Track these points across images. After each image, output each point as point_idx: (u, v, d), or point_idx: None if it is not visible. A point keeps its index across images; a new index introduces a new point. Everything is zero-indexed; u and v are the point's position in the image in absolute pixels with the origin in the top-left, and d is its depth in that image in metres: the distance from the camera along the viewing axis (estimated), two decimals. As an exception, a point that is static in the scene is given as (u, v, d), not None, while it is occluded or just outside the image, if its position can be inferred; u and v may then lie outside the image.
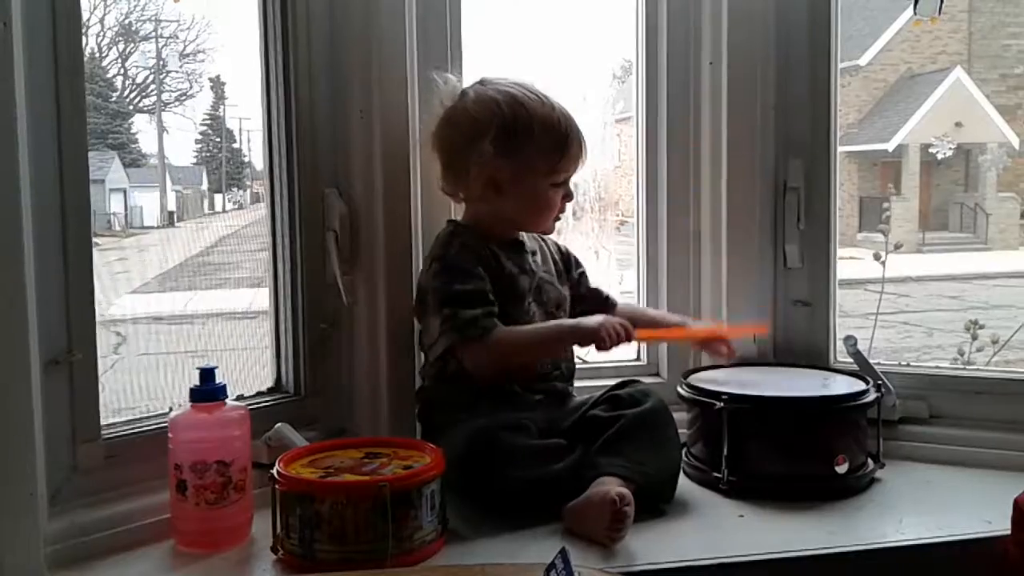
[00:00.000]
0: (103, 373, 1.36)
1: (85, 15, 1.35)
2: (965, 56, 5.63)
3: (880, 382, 1.58)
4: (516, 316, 1.49)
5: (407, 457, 1.33)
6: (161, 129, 2.37)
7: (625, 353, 1.84)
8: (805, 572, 1.29)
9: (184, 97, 2.31)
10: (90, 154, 1.31)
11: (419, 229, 1.62)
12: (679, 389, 1.58)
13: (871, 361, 1.66)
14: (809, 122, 1.75)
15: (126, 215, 2.42)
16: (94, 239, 1.33)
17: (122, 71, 2.23)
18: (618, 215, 2.03)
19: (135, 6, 2.09)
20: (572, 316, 1.60)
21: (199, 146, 2.52)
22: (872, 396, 1.52)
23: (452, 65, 1.62)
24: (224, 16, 1.91)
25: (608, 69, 2.09)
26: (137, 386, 1.74)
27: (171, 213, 2.50)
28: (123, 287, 2.01)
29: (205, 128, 2.47)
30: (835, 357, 1.76)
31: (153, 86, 2.28)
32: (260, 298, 1.68)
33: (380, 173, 1.59)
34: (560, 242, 1.67)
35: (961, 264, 5.69)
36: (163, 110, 2.31)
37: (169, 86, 2.29)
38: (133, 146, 2.37)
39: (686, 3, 1.75)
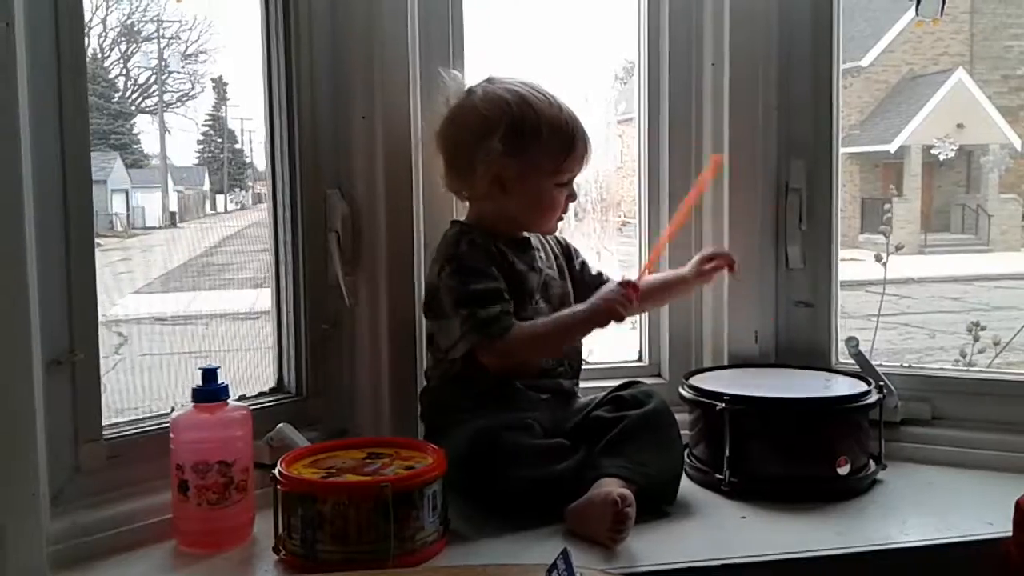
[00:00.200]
0: (105, 373, 1.36)
1: (87, 15, 1.35)
2: (967, 57, 5.62)
3: (882, 383, 1.58)
4: (525, 314, 1.49)
5: (409, 457, 1.33)
6: (163, 130, 2.37)
7: (626, 353, 1.85)
8: (807, 573, 1.29)
9: (186, 98, 2.31)
10: (92, 154, 1.32)
11: (421, 230, 1.62)
12: (681, 390, 1.58)
13: (873, 362, 1.66)
14: (811, 123, 1.75)
15: (128, 215, 2.42)
16: (96, 239, 1.33)
17: (124, 71, 2.23)
18: (620, 216, 2.03)
19: (137, 7, 2.09)
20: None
21: (201, 147, 2.52)
22: (874, 397, 1.52)
23: (454, 66, 1.62)
24: (226, 17, 1.91)
25: (610, 70, 2.09)
26: (139, 386, 1.74)
27: (173, 214, 2.50)
28: (125, 287, 2.01)
29: (207, 129, 2.47)
30: (837, 358, 1.76)
31: (155, 87, 2.28)
32: (262, 299, 1.68)
33: (382, 174, 1.59)
34: (558, 235, 1.66)
35: (963, 265, 5.68)
36: (165, 111, 2.31)
37: (171, 87, 2.29)
38: (135, 147, 2.37)
39: (688, 4, 1.75)
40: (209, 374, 1.32)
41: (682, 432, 1.49)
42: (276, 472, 1.27)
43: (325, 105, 1.59)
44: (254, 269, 1.94)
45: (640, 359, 1.84)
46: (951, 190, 6.21)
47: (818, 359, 1.74)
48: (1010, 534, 1.21)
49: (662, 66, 1.78)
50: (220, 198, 2.60)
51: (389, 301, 1.60)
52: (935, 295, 4.90)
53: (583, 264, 1.66)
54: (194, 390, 1.32)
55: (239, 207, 2.58)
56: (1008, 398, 1.64)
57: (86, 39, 1.34)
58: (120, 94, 2.28)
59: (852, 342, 1.68)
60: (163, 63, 2.24)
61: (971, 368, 2.18)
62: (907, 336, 4.09)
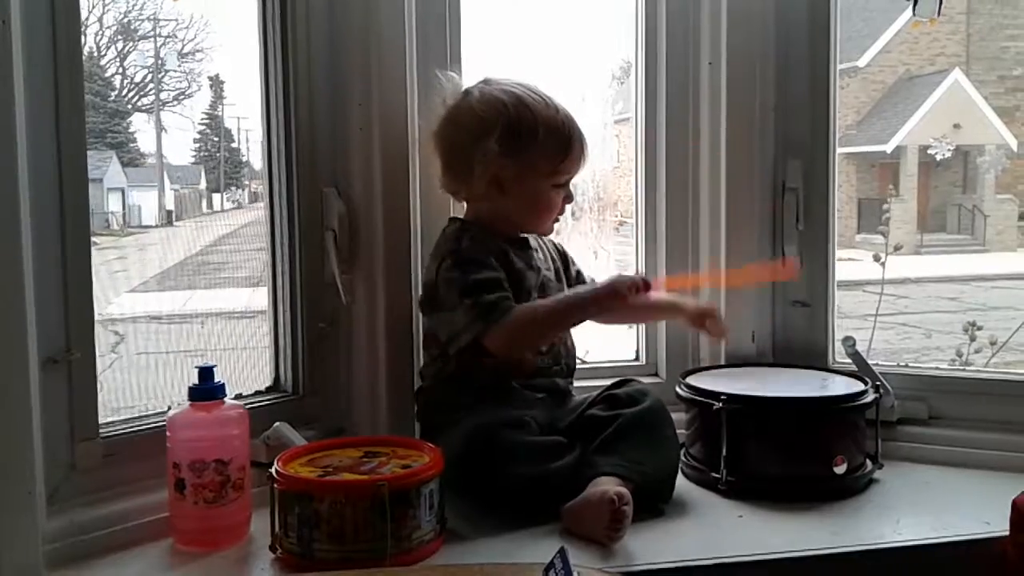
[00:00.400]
0: (101, 372, 1.36)
1: (84, 14, 1.35)
2: (963, 58, 5.63)
3: (879, 383, 1.58)
4: None
5: (406, 456, 1.33)
6: (159, 128, 2.36)
7: (623, 353, 1.85)
8: (803, 572, 1.29)
9: (183, 96, 2.31)
10: (88, 153, 1.32)
11: (418, 228, 1.62)
12: (677, 389, 1.58)
13: (870, 362, 1.66)
14: (808, 123, 1.76)
15: (124, 214, 2.41)
16: (92, 238, 1.33)
17: (120, 70, 2.23)
18: (617, 216, 2.03)
19: (134, 5, 2.08)
20: None
21: (197, 145, 2.51)
22: (871, 397, 1.52)
23: (451, 65, 1.62)
24: (223, 15, 1.91)
25: (607, 70, 2.09)
26: (135, 385, 1.74)
27: (169, 212, 2.49)
28: (121, 286, 2.00)
29: (204, 127, 2.46)
30: (834, 358, 1.76)
31: (152, 85, 2.27)
32: (259, 297, 1.68)
33: (379, 173, 1.59)
34: (556, 240, 1.67)
35: (959, 266, 5.69)
36: (161, 109, 2.31)
37: (168, 85, 2.28)
38: (131, 145, 2.36)
39: (685, 4, 1.75)
40: (205, 373, 1.32)
41: (679, 431, 1.50)
42: (273, 471, 1.26)
43: (322, 104, 1.58)
44: (251, 268, 1.94)
45: (637, 358, 1.84)
46: (947, 190, 6.22)
47: (815, 359, 1.74)
48: (1007, 533, 1.22)
49: (659, 66, 1.78)
50: (216, 197, 2.59)
51: (386, 299, 1.60)
52: (932, 295, 4.91)
53: (579, 272, 1.66)
54: (190, 389, 1.32)
55: (236, 206, 2.57)
56: (1005, 398, 1.64)
57: (82, 37, 1.34)
58: (116, 92, 2.28)
59: (849, 342, 1.68)
60: (160, 61, 2.24)
61: (968, 368, 2.19)
62: (904, 336, 4.09)
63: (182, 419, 1.31)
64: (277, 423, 1.45)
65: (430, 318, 1.54)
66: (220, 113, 2.47)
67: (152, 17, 2.14)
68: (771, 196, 1.76)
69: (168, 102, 2.31)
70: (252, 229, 1.86)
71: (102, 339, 1.40)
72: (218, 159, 2.55)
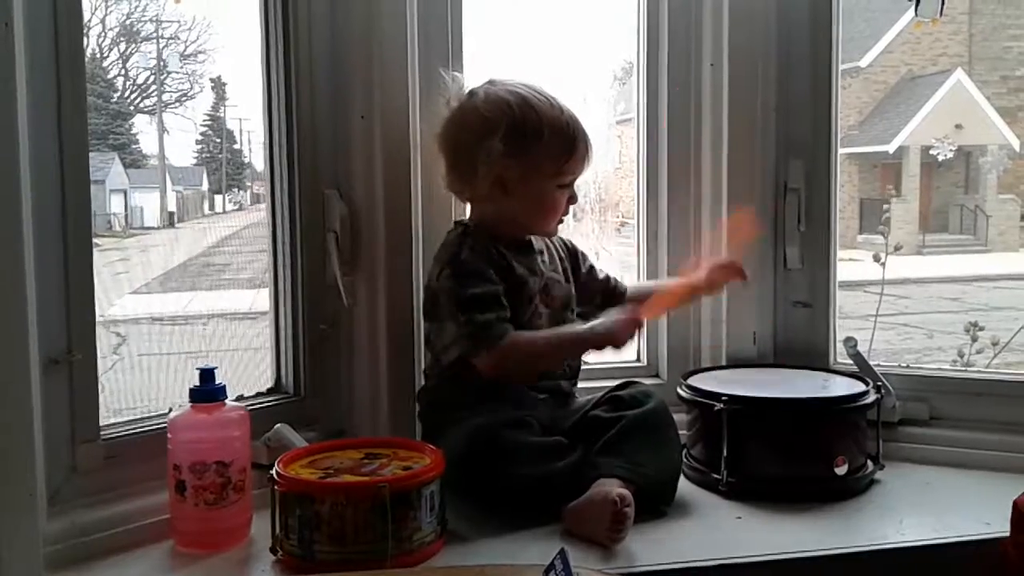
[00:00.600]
0: (103, 373, 1.36)
1: (86, 16, 1.35)
2: (966, 58, 5.62)
3: (880, 384, 1.58)
4: (524, 317, 1.49)
5: (407, 458, 1.33)
6: (162, 130, 2.37)
7: (625, 354, 1.84)
8: (805, 573, 1.29)
9: (185, 98, 2.31)
10: (91, 154, 1.32)
11: (420, 230, 1.62)
12: (679, 390, 1.58)
13: (871, 363, 1.66)
14: (810, 123, 1.75)
15: (126, 216, 2.42)
16: (94, 239, 1.33)
17: (123, 72, 2.23)
18: (619, 217, 2.03)
19: (136, 7, 2.09)
20: (583, 308, 1.61)
21: (199, 147, 2.52)
22: (872, 398, 1.52)
23: (453, 66, 1.62)
24: (225, 17, 1.91)
25: (609, 70, 2.09)
26: (137, 386, 1.74)
27: (171, 214, 2.50)
28: (123, 287, 2.01)
29: (206, 129, 2.47)
30: (835, 358, 1.76)
31: (154, 87, 2.28)
32: (260, 299, 1.68)
33: (381, 174, 1.59)
34: (565, 238, 1.66)
35: (961, 266, 5.68)
36: (164, 111, 2.31)
37: (170, 87, 2.29)
38: (134, 147, 2.37)
39: (687, 4, 1.75)
40: (207, 374, 1.32)
41: (680, 432, 1.50)
42: (274, 472, 1.26)
43: (324, 105, 1.59)
44: (252, 269, 1.94)
45: (639, 359, 1.84)
46: (949, 191, 6.21)
47: (816, 359, 1.74)
48: (1008, 534, 1.22)
49: (661, 66, 1.78)
50: (219, 198, 2.60)
51: (387, 301, 1.60)
52: (933, 295, 4.91)
53: (591, 268, 1.66)
54: (192, 390, 1.32)
55: (237, 207, 2.57)
56: (1006, 398, 1.64)
57: (85, 39, 1.34)
58: (119, 94, 2.28)
59: (850, 342, 1.68)
60: (162, 63, 2.24)
61: (969, 368, 2.19)
62: (906, 336, 4.09)
63: (183, 421, 1.31)
64: (278, 425, 1.45)
65: (428, 324, 1.55)
66: (222, 114, 2.47)
67: (154, 19, 2.14)
68: (773, 196, 1.76)
69: (170, 103, 2.32)
70: (254, 231, 1.87)
71: (104, 340, 1.40)
72: (220, 160, 2.56)
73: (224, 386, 1.34)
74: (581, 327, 1.51)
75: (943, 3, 1.72)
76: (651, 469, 1.38)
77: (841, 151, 1.82)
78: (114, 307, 1.80)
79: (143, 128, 2.37)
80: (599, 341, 1.47)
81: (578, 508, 1.32)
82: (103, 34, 2.07)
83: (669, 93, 1.77)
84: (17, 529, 1.16)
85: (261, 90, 1.60)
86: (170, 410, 1.36)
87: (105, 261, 1.82)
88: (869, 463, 1.54)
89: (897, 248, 2.43)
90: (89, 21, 1.90)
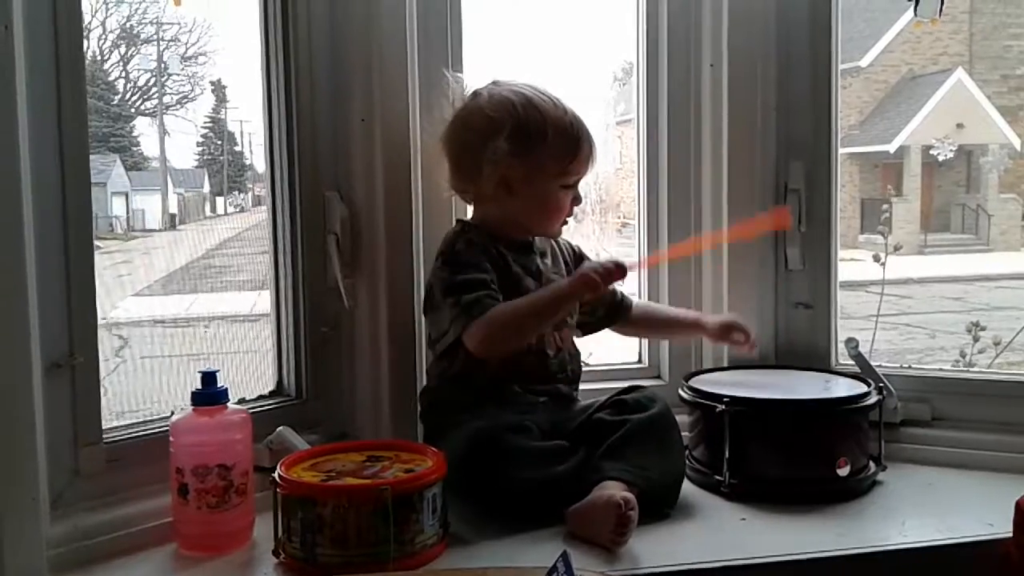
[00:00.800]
0: (105, 376, 1.36)
1: (86, 18, 1.35)
2: (966, 57, 5.61)
3: (882, 384, 1.58)
4: None
5: (409, 460, 1.33)
6: (163, 132, 2.37)
7: (626, 355, 1.85)
8: (807, 575, 1.28)
9: (185, 100, 2.31)
10: (92, 157, 1.32)
11: (420, 232, 1.62)
12: (681, 392, 1.58)
13: (873, 363, 1.66)
14: (810, 124, 1.75)
15: (128, 218, 2.42)
16: (96, 242, 1.33)
17: (124, 74, 2.23)
18: (619, 217, 2.03)
19: (136, 9, 2.08)
20: (587, 318, 1.62)
21: (200, 149, 2.52)
22: (874, 398, 1.52)
23: (453, 67, 1.62)
24: (225, 19, 1.91)
25: (609, 71, 2.09)
26: (139, 390, 1.74)
27: (173, 216, 2.49)
28: (125, 290, 2.01)
29: (206, 131, 2.47)
30: (836, 359, 1.76)
31: (155, 89, 2.28)
32: (262, 301, 1.68)
33: (381, 176, 1.59)
34: (571, 241, 1.66)
35: (963, 266, 5.67)
36: (164, 113, 2.31)
37: (170, 89, 2.29)
38: (135, 149, 2.37)
39: (687, 5, 1.75)
40: (209, 377, 1.32)
41: (682, 434, 1.49)
42: (276, 475, 1.27)
43: (324, 107, 1.59)
44: (254, 272, 1.94)
45: (640, 361, 1.84)
46: (951, 190, 6.20)
47: (818, 360, 1.74)
48: (1010, 535, 1.21)
49: (661, 67, 1.78)
50: (220, 200, 2.60)
51: (388, 303, 1.60)
52: (935, 295, 4.90)
53: None
54: (194, 393, 1.32)
55: (239, 209, 2.57)
56: (1008, 399, 1.64)
57: (85, 42, 1.34)
58: (119, 96, 2.28)
59: (852, 343, 1.68)
60: (162, 65, 2.24)
61: (971, 369, 2.18)
62: (908, 336, 4.08)
63: (185, 424, 1.31)
64: (280, 427, 1.45)
65: (426, 317, 1.55)
66: (223, 116, 2.47)
67: (155, 21, 2.14)
68: (773, 197, 1.75)
69: (171, 106, 2.31)
70: (255, 233, 1.87)
71: (106, 343, 1.40)
72: (221, 163, 2.56)
73: (226, 389, 1.34)
74: (556, 283, 1.51)
75: (942, 2, 1.72)
76: (655, 473, 1.38)
77: (841, 151, 1.81)
78: (116, 310, 1.80)
79: (144, 130, 2.37)
80: (578, 286, 1.47)
81: (581, 511, 1.32)
82: (103, 36, 2.07)
83: (669, 94, 1.77)
84: (20, 533, 1.16)
85: (261, 92, 1.60)
86: (172, 413, 1.36)
87: (107, 264, 1.82)
88: (871, 464, 1.54)
89: (898, 248, 2.42)
90: (89, 23, 1.90)
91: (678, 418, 1.49)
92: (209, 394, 1.32)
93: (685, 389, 1.57)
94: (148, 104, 2.32)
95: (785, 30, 1.73)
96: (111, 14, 2.01)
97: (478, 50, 1.68)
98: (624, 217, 2.00)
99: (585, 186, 1.57)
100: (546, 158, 1.49)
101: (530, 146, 1.48)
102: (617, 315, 1.66)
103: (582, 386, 1.60)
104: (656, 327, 1.73)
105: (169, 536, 1.32)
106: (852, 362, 1.68)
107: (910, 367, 1.74)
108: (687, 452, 1.55)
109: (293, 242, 1.59)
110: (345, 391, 1.62)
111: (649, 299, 1.81)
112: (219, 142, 2.50)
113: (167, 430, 1.32)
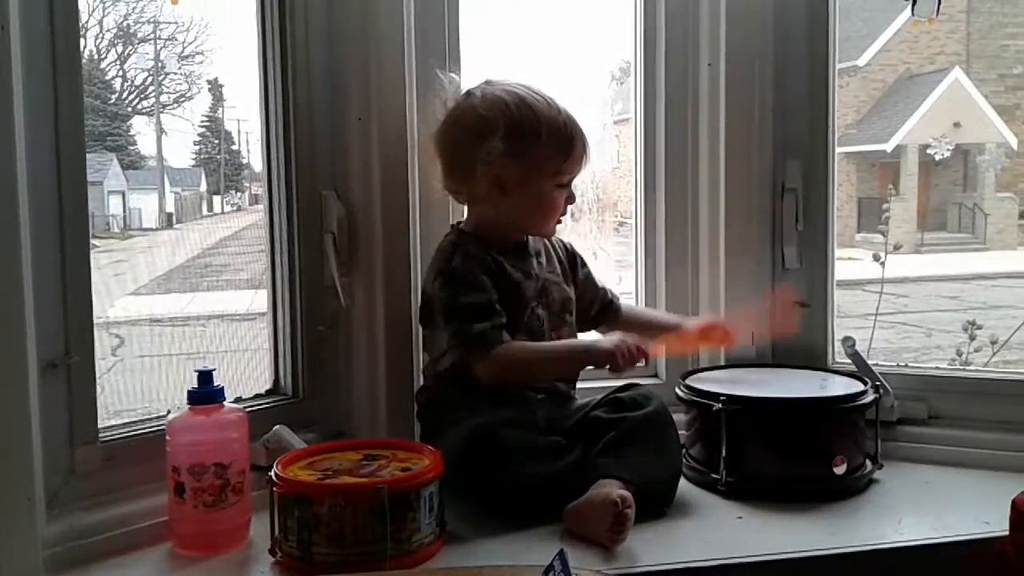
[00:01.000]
0: (101, 375, 1.36)
1: (83, 17, 1.35)
2: (963, 56, 5.62)
3: (878, 383, 1.58)
4: (522, 321, 1.49)
5: (406, 459, 1.33)
6: (160, 131, 2.36)
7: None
8: (804, 573, 1.29)
9: (182, 99, 2.31)
10: (88, 156, 1.32)
11: (417, 231, 1.62)
12: (677, 390, 1.58)
13: (869, 362, 1.66)
14: (807, 123, 1.75)
15: (125, 217, 2.41)
16: (92, 241, 1.33)
17: (121, 73, 2.23)
18: (616, 216, 2.03)
19: (133, 8, 2.08)
20: (580, 316, 1.61)
21: (197, 148, 2.52)
22: (870, 397, 1.52)
23: (450, 67, 1.62)
24: (222, 18, 1.91)
25: (607, 70, 2.09)
26: (135, 388, 1.74)
27: (170, 215, 2.49)
28: (121, 289, 2.01)
29: (203, 130, 2.46)
30: (833, 358, 1.76)
31: (152, 88, 2.27)
32: (259, 300, 1.68)
33: (378, 175, 1.59)
34: (566, 242, 1.67)
35: (960, 264, 5.69)
36: (161, 112, 2.31)
37: (167, 88, 2.29)
38: (132, 148, 2.36)
39: (684, 4, 1.75)
40: (205, 376, 1.32)
41: (679, 432, 1.50)
42: (272, 474, 1.26)
43: (321, 106, 1.58)
44: (250, 271, 1.94)
45: (637, 359, 1.84)
46: (948, 189, 6.21)
47: (815, 359, 1.74)
48: (1007, 533, 1.22)
49: (658, 66, 1.78)
50: (217, 199, 2.60)
51: (385, 302, 1.60)
52: (932, 294, 4.91)
53: (587, 275, 1.67)
54: (190, 392, 1.32)
55: (236, 208, 2.57)
56: (1005, 397, 1.64)
57: (82, 41, 1.34)
58: (116, 95, 2.28)
59: (848, 342, 1.68)
60: (159, 64, 2.24)
61: (967, 367, 2.19)
62: (904, 335, 4.09)
63: (181, 423, 1.31)
64: (276, 426, 1.45)
65: (424, 329, 1.55)
66: (220, 115, 2.47)
67: (152, 20, 2.14)
68: (770, 196, 1.76)
69: (168, 105, 2.31)
70: (252, 232, 1.87)
71: (102, 342, 1.40)
72: (218, 162, 2.55)
73: (222, 388, 1.33)
74: (581, 342, 1.52)
75: (940, 2, 1.72)
76: (652, 471, 1.38)
77: (839, 150, 1.82)
78: (112, 309, 1.80)
79: (141, 129, 2.37)
80: (596, 359, 1.48)
81: (578, 509, 1.32)
82: (100, 35, 2.07)
83: (667, 93, 1.77)
84: (15, 532, 1.16)
85: (258, 91, 1.60)
86: (168, 412, 1.35)
87: (103, 263, 1.82)
88: (868, 463, 1.54)
89: (896, 247, 2.42)
90: (86, 22, 1.90)
91: (675, 416, 1.49)
92: (205, 393, 1.32)
93: (682, 387, 1.57)
94: (145, 103, 2.32)
95: (782, 29, 1.74)
96: (108, 13, 2.01)
97: (475, 49, 1.68)
98: (621, 216, 2.00)
99: (582, 185, 1.58)
100: (540, 157, 1.49)
101: (524, 146, 1.48)
102: (607, 314, 1.67)
103: (581, 385, 1.60)
104: (639, 329, 1.70)
105: (165, 535, 1.32)
106: (849, 361, 1.68)
107: (906, 366, 1.74)
108: (684, 450, 1.55)
109: (290, 241, 1.59)
110: (342, 390, 1.62)
111: (646, 297, 1.82)
112: (216, 141, 2.50)
113: (163, 429, 1.32)
